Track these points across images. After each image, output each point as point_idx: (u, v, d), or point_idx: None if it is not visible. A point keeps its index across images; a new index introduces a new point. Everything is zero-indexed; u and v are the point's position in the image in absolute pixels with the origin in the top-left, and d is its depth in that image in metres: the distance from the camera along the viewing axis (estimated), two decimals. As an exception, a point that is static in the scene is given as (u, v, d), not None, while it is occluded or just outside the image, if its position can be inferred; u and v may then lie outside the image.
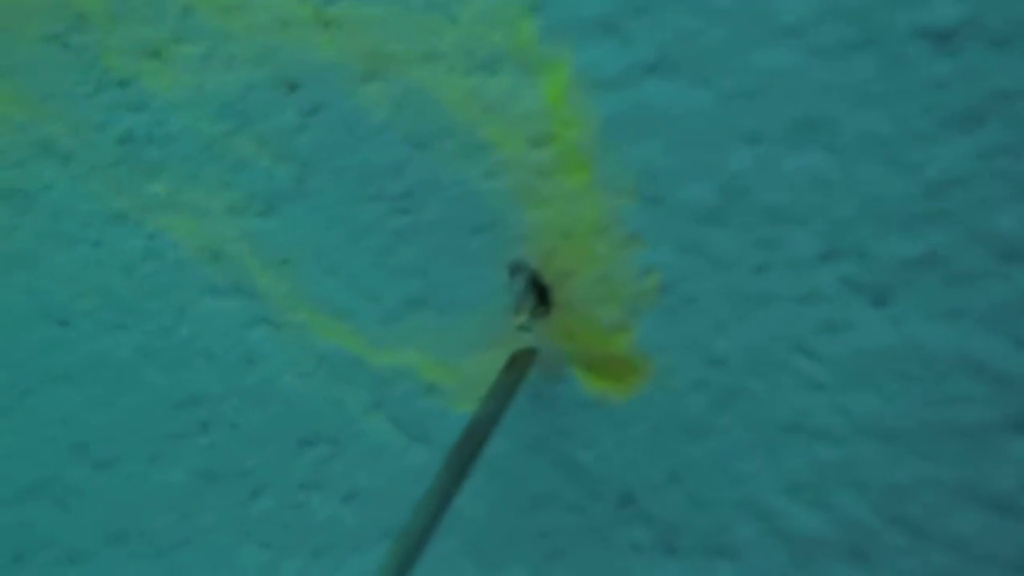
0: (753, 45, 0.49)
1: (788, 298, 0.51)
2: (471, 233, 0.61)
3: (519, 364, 0.59)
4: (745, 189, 0.51)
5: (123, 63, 0.74)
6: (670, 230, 0.54)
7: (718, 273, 0.53)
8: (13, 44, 0.79)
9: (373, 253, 0.66)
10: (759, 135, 0.50)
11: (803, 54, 0.48)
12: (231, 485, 0.78)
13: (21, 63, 0.79)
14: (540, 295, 0.60)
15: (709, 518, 0.57)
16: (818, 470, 0.52)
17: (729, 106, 0.51)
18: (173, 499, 0.81)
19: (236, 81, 0.69)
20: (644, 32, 0.52)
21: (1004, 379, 0.46)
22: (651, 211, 0.54)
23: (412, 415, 0.68)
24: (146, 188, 0.76)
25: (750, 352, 0.53)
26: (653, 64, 0.53)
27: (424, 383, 0.66)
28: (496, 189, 0.59)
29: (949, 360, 0.47)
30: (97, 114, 0.76)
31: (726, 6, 0.50)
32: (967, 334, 0.46)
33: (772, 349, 0.52)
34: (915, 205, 0.46)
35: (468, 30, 0.58)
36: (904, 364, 0.48)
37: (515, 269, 0.60)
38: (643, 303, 0.56)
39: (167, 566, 0.82)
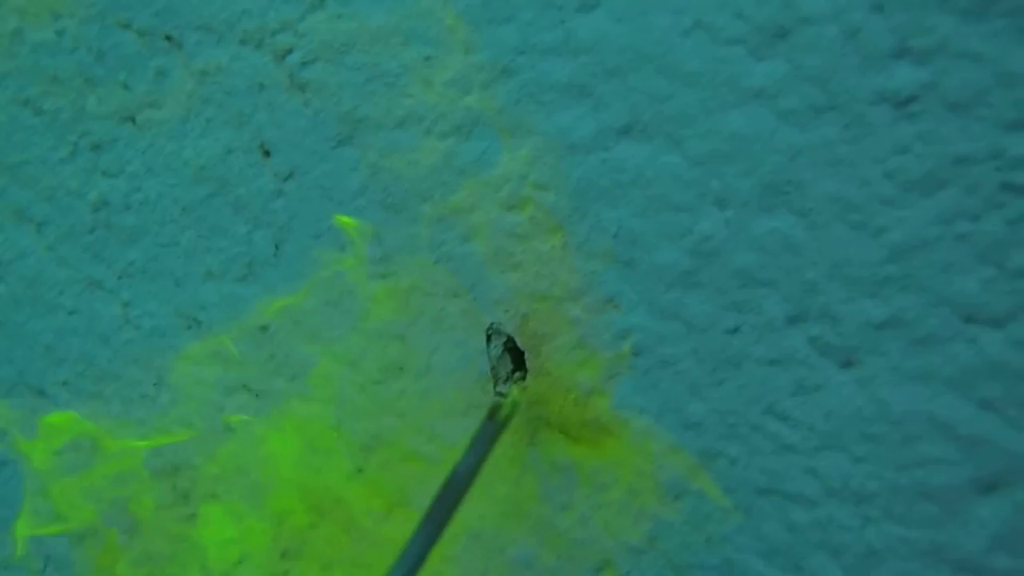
0: (722, 108, 0.52)
1: (760, 361, 0.53)
2: (448, 297, 0.64)
3: (499, 417, 0.61)
4: (716, 252, 0.53)
5: (98, 127, 0.76)
6: (644, 293, 0.56)
7: (692, 336, 0.55)
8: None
9: (351, 318, 0.68)
10: (729, 198, 0.52)
11: (771, 118, 0.51)
12: (212, 555, 0.80)
13: (-6, 127, 0.82)
14: (517, 360, 0.62)
15: (687, 583, 0.59)
16: (793, 533, 0.55)
17: (699, 169, 0.53)
18: (154, 570, 0.83)
19: (213, 146, 0.71)
20: (615, 96, 0.55)
21: (970, 441, 0.48)
22: (625, 274, 0.57)
23: (392, 481, 0.70)
24: (122, 255, 0.78)
25: (724, 415, 0.55)
26: (625, 127, 0.55)
27: (404, 449, 0.68)
28: (472, 252, 0.62)
29: (916, 422, 0.49)
30: (72, 180, 0.79)
31: (695, 69, 0.52)
32: (933, 397, 0.49)
33: (746, 412, 0.55)
34: (880, 268, 0.49)
35: (442, 94, 0.61)
36: (872, 426, 0.51)
37: (492, 334, 0.62)
38: (619, 367, 0.58)
39: (149, 638, 0.84)
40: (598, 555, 0.62)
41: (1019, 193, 0.45)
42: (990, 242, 0.46)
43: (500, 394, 0.62)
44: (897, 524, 0.51)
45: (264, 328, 0.72)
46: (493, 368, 0.63)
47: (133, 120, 0.74)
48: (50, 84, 0.78)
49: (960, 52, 0.45)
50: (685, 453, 0.57)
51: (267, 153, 0.69)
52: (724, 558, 0.57)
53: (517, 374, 0.62)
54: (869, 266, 0.49)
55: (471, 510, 0.65)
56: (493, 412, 0.61)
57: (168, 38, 0.71)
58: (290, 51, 0.65)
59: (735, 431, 0.55)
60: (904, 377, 0.49)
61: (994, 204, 0.46)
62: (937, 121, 0.46)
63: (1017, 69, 0.44)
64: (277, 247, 0.70)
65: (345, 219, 0.67)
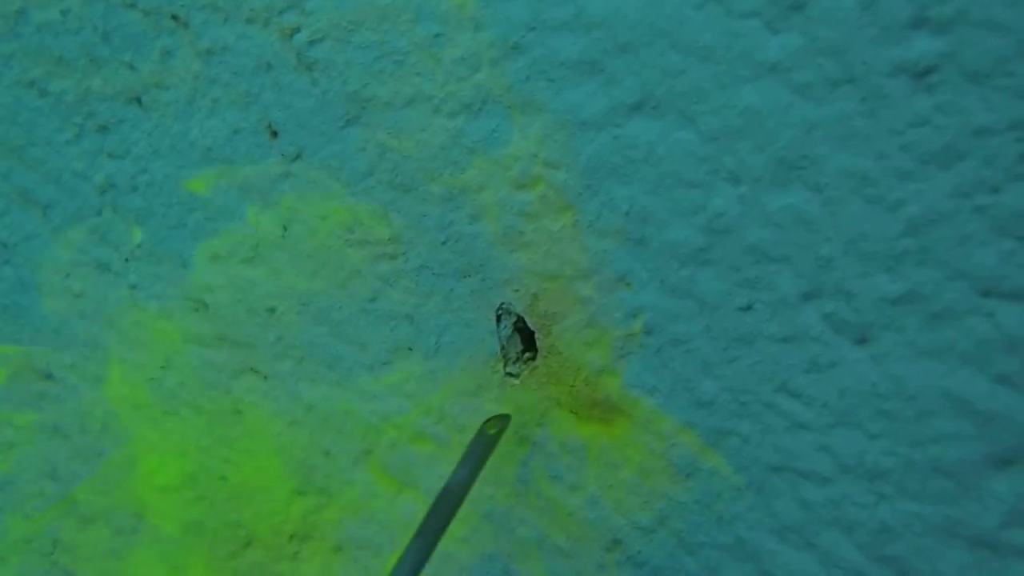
0: (736, 83, 0.51)
1: (773, 338, 0.53)
2: (457, 278, 0.63)
3: (492, 431, 0.61)
4: (729, 228, 0.53)
5: (104, 109, 0.76)
6: (656, 271, 0.56)
7: (704, 314, 0.55)
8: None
9: (360, 300, 0.68)
10: (742, 174, 0.52)
11: (786, 92, 0.50)
12: (221, 537, 0.80)
13: (-1, 110, 0.82)
14: (527, 340, 0.62)
15: (698, 561, 0.59)
16: (806, 511, 0.54)
17: (712, 145, 0.53)
18: (163, 552, 0.83)
19: (220, 126, 0.71)
20: (627, 71, 0.54)
21: (986, 416, 0.48)
22: (637, 252, 0.56)
23: (401, 462, 0.70)
24: (128, 237, 0.78)
25: (737, 393, 0.55)
26: (636, 104, 0.55)
27: (413, 430, 0.68)
28: (481, 232, 0.62)
29: (931, 398, 0.49)
30: (77, 162, 0.79)
31: (708, 43, 0.52)
32: (949, 372, 0.48)
33: (759, 390, 0.54)
34: (896, 243, 0.48)
35: (451, 72, 0.60)
36: (887, 403, 0.50)
37: (501, 314, 0.62)
38: (630, 346, 0.58)
39: (157, 623, 0.84)
40: (609, 535, 0.62)
41: (1039, 165, 0.45)
42: (1009, 214, 0.45)
43: (510, 374, 0.61)
44: (911, 500, 0.51)
45: (272, 310, 0.72)
46: (503, 348, 0.63)
47: (139, 101, 0.74)
48: (55, 65, 0.77)
49: (980, 21, 0.45)
50: (697, 432, 0.57)
51: (275, 134, 0.68)
52: (736, 536, 0.57)
53: (527, 354, 0.62)
54: (885, 241, 0.49)
55: (482, 491, 0.65)
56: (484, 428, 0.61)
57: (174, 17, 0.70)
58: (297, 30, 0.65)
59: (748, 409, 0.55)
60: (920, 353, 0.49)
61: (1014, 176, 0.45)
62: (956, 92, 0.46)
63: (1039, 37, 0.44)
64: (285, 228, 0.70)
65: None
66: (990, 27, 0.45)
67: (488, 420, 0.61)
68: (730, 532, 0.57)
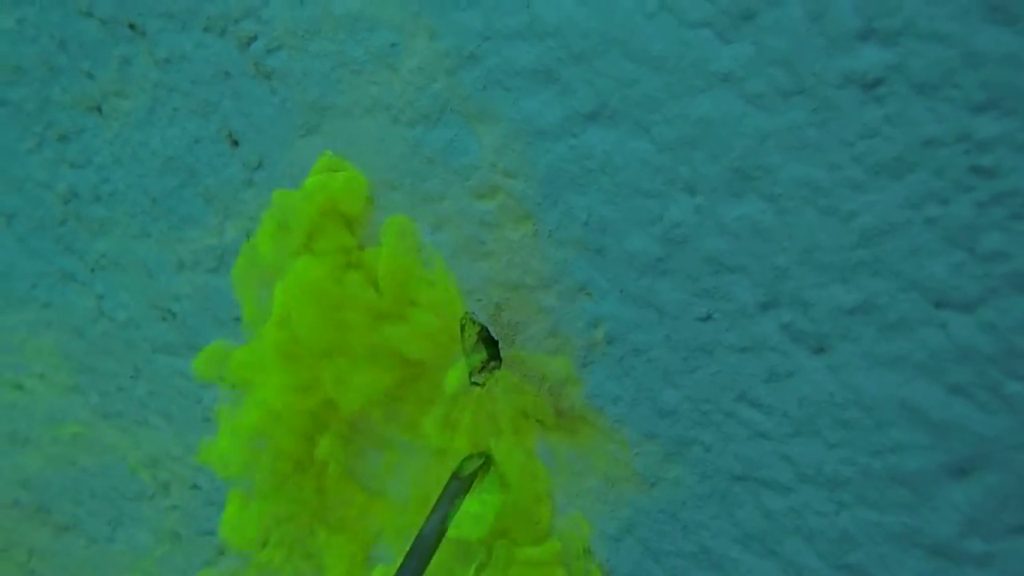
0: (689, 93, 0.51)
1: (732, 348, 0.53)
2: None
3: (466, 471, 0.61)
4: (686, 239, 0.53)
5: (64, 118, 0.76)
6: (616, 281, 0.56)
7: (664, 324, 0.55)
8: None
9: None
10: (698, 184, 0.52)
11: (739, 102, 0.50)
12: (196, 546, 0.80)
13: (-41, 119, 0.81)
14: (490, 349, 0.62)
15: (664, 570, 0.59)
16: (768, 519, 0.55)
17: (668, 155, 0.52)
18: (138, 561, 0.83)
19: (180, 135, 0.70)
20: (581, 80, 0.54)
21: (941, 426, 0.48)
22: (596, 262, 0.56)
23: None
24: (94, 246, 0.77)
25: (698, 403, 0.55)
26: (592, 113, 0.54)
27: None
28: (443, 242, 0.62)
29: (888, 408, 0.49)
30: (40, 171, 0.78)
31: (661, 52, 0.51)
32: (905, 382, 0.48)
33: (719, 399, 0.54)
34: (851, 253, 0.48)
35: (408, 81, 0.60)
36: (845, 412, 0.51)
37: (465, 323, 0.62)
38: (592, 355, 0.58)
39: (136, 626, 0.85)
40: (576, 543, 0.62)
41: (987, 176, 0.45)
42: (959, 226, 0.46)
43: (475, 383, 0.62)
44: (871, 509, 0.51)
45: (238, 318, 0.72)
46: (466, 358, 0.63)
47: (99, 110, 0.74)
48: (13, 74, 0.77)
49: (927, 32, 0.44)
50: (660, 441, 0.57)
51: (235, 143, 0.68)
52: (700, 545, 0.58)
53: (492, 363, 0.62)
54: (839, 251, 0.49)
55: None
56: (459, 469, 0.61)
57: (131, 26, 0.70)
58: (254, 38, 0.65)
59: (709, 418, 0.55)
60: (875, 363, 0.49)
61: (963, 187, 0.45)
62: (904, 103, 0.46)
63: (984, 48, 0.44)
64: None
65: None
66: (936, 39, 0.44)
67: (465, 460, 0.62)
68: (695, 540, 0.58)
